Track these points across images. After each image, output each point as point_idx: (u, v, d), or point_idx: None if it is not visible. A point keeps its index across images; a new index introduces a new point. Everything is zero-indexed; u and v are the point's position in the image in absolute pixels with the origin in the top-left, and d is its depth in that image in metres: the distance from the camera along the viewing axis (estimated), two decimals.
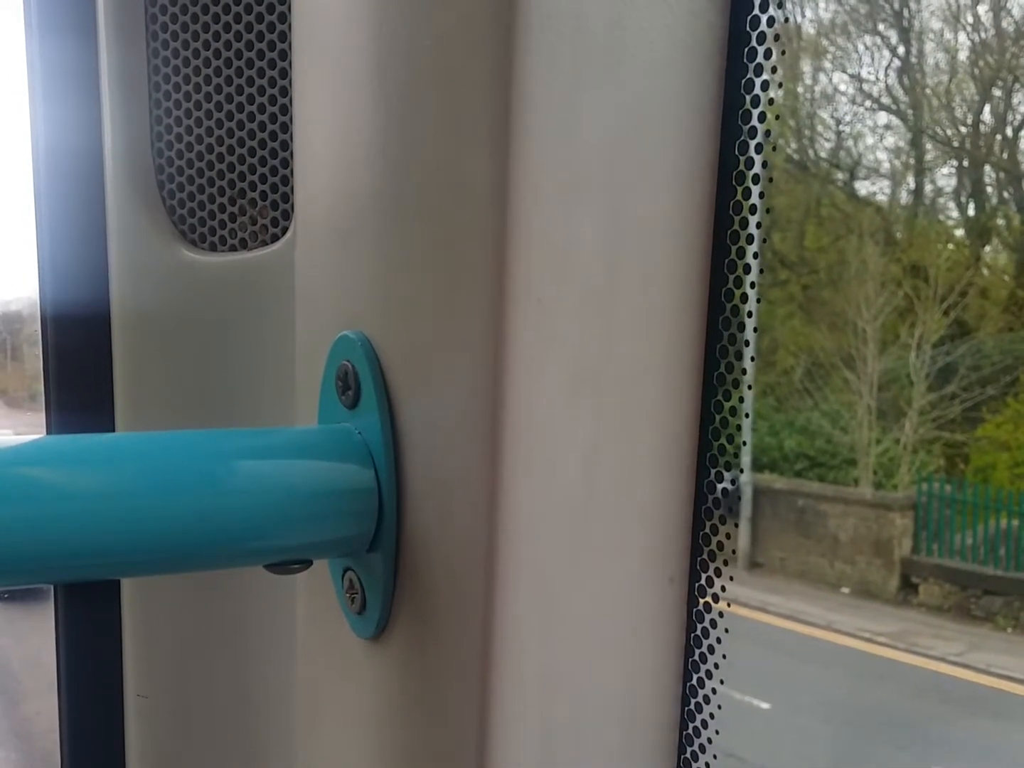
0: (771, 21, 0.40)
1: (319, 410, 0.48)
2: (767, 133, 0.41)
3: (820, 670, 6.78)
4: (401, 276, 0.43)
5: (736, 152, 0.41)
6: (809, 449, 9.89)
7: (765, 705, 5.87)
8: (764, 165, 0.41)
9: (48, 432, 0.64)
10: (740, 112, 0.41)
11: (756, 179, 0.42)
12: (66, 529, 0.38)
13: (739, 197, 0.42)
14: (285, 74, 0.56)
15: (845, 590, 8.47)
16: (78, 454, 0.40)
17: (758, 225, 0.42)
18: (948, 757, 5.52)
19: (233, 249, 0.60)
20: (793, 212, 10.62)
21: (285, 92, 0.57)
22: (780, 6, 0.40)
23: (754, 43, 0.40)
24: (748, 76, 0.41)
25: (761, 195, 0.42)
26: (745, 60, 0.41)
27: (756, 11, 0.40)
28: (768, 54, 0.40)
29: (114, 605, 0.64)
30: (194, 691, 0.63)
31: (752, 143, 0.41)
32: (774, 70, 0.40)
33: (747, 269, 0.42)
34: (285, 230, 0.57)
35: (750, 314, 0.43)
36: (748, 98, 0.41)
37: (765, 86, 0.40)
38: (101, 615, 0.64)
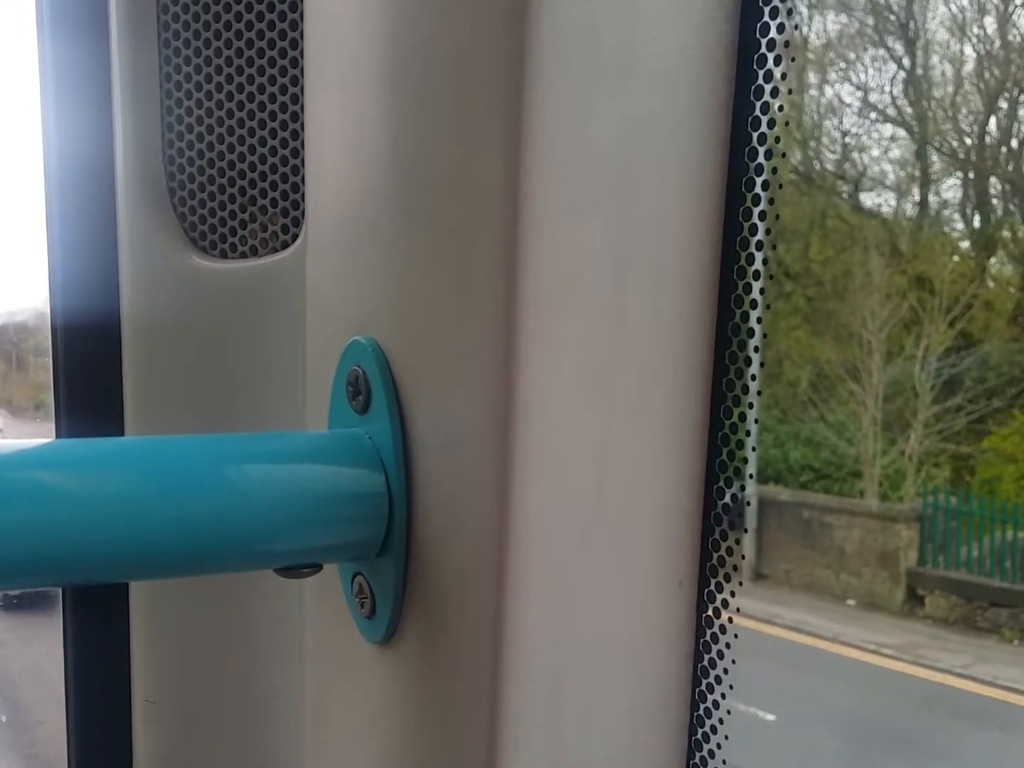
0: (781, 28, 0.40)
1: (330, 415, 0.48)
2: (777, 140, 0.41)
3: (825, 682, 6.75)
4: (412, 281, 0.43)
5: (746, 159, 0.42)
6: (814, 461, 9.86)
7: (770, 717, 5.84)
8: (774, 172, 0.41)
9: (57, 438, 0.64)
10: (750, 119, 0.41)
11: (765, 186, 0.42)
12: (76, 532, 0.38)
13: (748, 204, 0.42)
14: (296, 80, 0.57)
15: (851, 602, 8.43)
16: (88, 457, 0.40)
17: (767, 232, 0.43)
18: None
19: (243, 256, 0.60)
20: (798, 224, 10.61)
21: (296, 98, 0.57)
22: (790, 13, 0.40)
23: (764, 50, 0.41)
24: (758, 83, 0.41)
25: (770, 202, 0.42)
26: (755, 67, 0.41)
27: (766, 18, 0.40)
28: (778, 61, 0.40)
29: (122, 609, 0.64)
30: (203, 696, 0.63)
31: (761, 150, 0.41)
32: (784, 77, 0.40)
33: (756, 276, 0.42)
34: (295, 237, 0.57)
35: (759, 320, 0.43)
36: (758, 105, 0.41)
37: (775, 93, 0.41)
38: (109, 619, 0.64)
